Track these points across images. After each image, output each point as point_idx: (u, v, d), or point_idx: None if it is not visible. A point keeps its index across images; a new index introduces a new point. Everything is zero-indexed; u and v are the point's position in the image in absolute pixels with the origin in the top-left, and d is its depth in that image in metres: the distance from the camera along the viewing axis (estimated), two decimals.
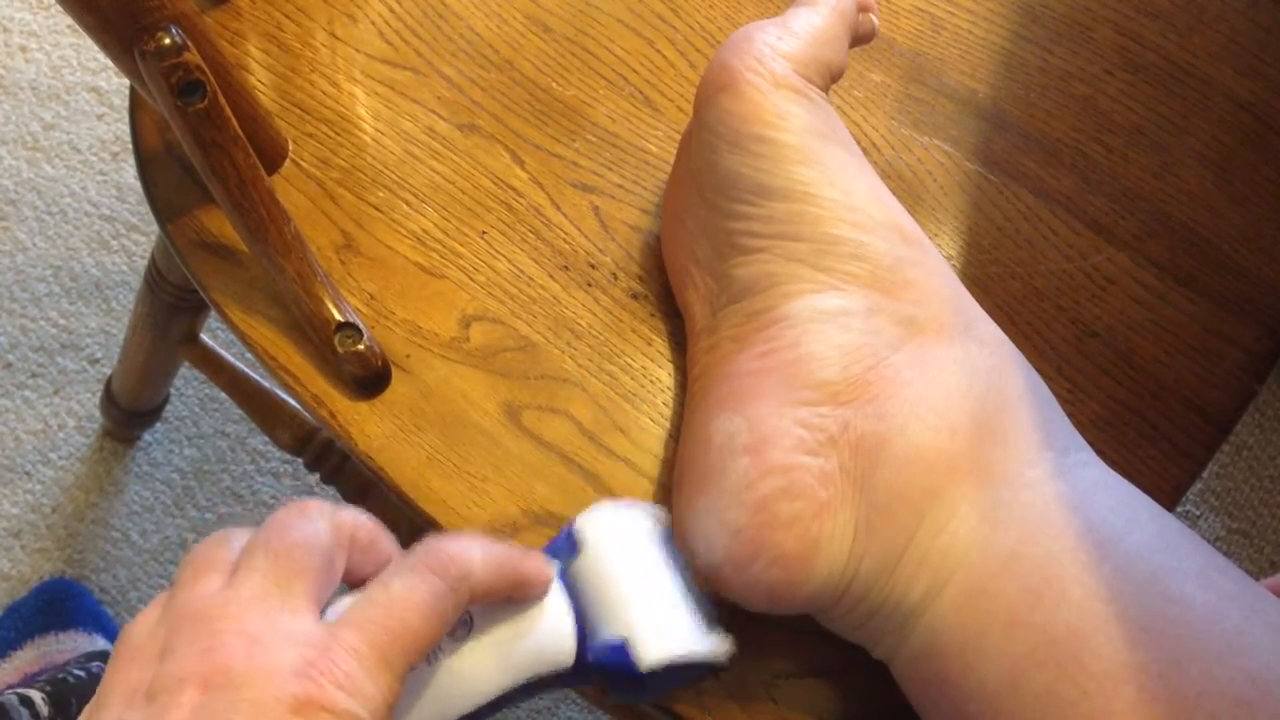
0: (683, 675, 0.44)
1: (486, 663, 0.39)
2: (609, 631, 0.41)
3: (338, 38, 0.55)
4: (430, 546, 0.37)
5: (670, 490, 0.48)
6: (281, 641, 0.34)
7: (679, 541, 0.46)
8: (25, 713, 0.79)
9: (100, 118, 1.07)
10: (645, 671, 0.40)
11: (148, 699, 0.33)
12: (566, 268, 0.52)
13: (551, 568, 0.41)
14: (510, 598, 0.40)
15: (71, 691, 0.82)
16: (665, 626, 0.42)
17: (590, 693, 0.64)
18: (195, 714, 0.32)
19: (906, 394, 0.43)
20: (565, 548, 0.44)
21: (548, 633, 0.40)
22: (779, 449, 0.43)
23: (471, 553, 0.38)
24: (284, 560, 0.36)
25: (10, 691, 0.82)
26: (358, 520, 0.39)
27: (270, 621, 0.34)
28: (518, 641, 0.40)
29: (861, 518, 0.42)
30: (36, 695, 0.81)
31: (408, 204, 0.53)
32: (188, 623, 0.35)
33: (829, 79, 0.49)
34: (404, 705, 0.38)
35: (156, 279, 0.70)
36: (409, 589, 0.36)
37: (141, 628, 0.36)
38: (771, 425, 0.43)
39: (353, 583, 0.39)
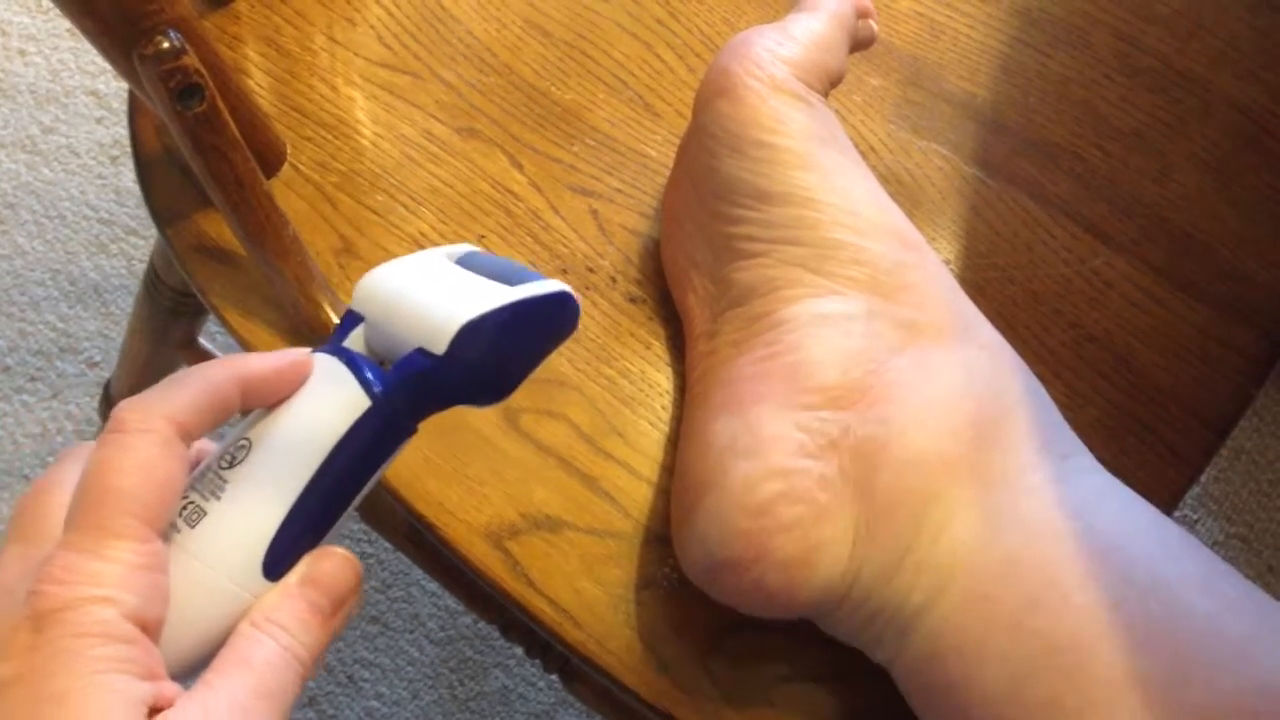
0: (519, 338, 0.37)
1: (279, 458, 0.35)
2: (401, 350, 0.37)
3: (336, 42, 0.55)
4: (123, 404, 0.35)
5: (669, 494, 0.48)
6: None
7: (677, 545, 0.46)
8: None
9: (99, 121, 1.07)
10: (442, 353, 0.35)
11: None
12: (565, 271, 0.52)
13: (299, 350, 0.38)
14: (265, 403, 0.37)
15: None
16: (442, 306, 0.36)
17: (589, 696, 0.64)
18: None
19: (907, 398, 0.43)
20: (348, 325, 0.39)
21: (320, 392, 0.36)
22: (779, 453, 0.43)
23: (171, 393, 0.35)
24: (106, 511, 0.33)
25: None
26: (205, 389, 0.35)
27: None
28: (296, 419, 0.36)
29: (862, 521, 0.42)
30: None
31: (406, 208, 0.53)
32: None
33: (828, 84, 0.49)
34: (217, 537, 0.35)
35: (155, 283, 0.70)
36: (104, 457, 0.33)
37: None
38: (772, 429, 0.43)
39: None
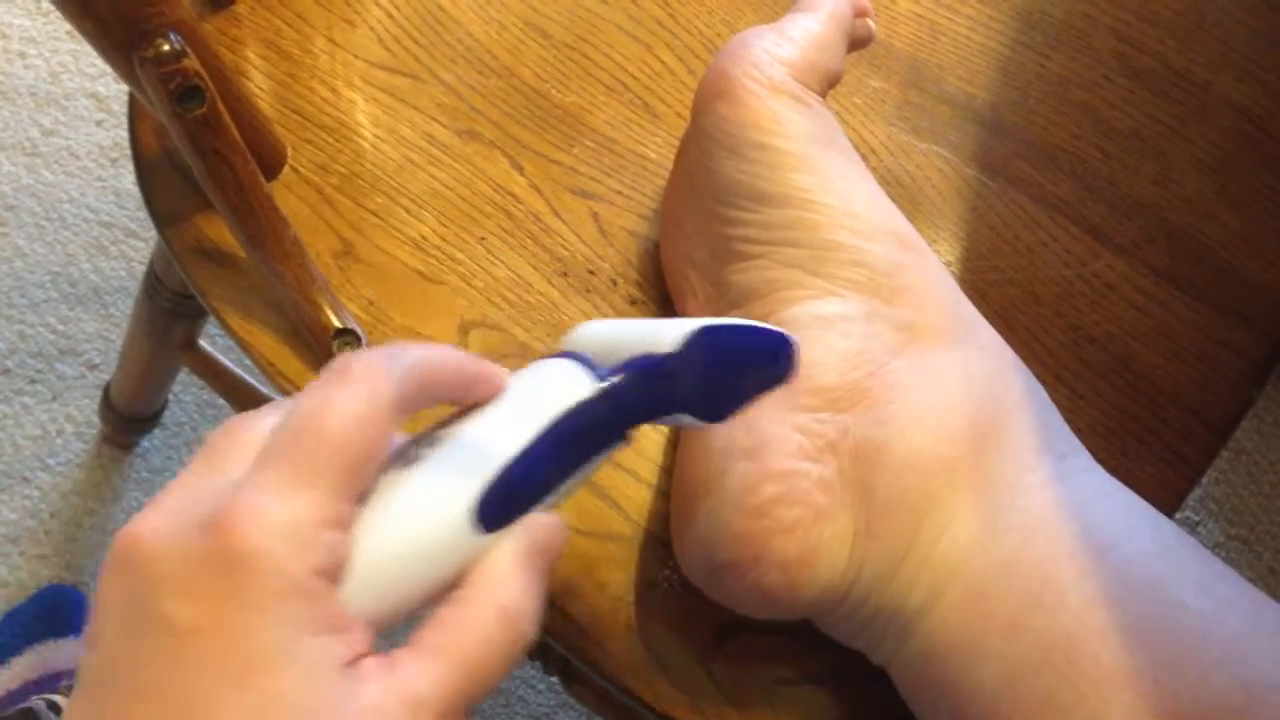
0: (747, 365, 0.38)
1: (499, 421, 0.34)
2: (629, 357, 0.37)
3: (337, 44, 0.55)
4: (347, 356, 0.33)
5: (669, 496, 0.48)
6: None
7: (677, 547, 0.46)
8: (53, 717, 0.79)
9: (99, 124, 1.07)
10: (672, 350, 0.35)
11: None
12: (565, 274, 0.52)
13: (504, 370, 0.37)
14: (461, 399, 0.36)
15: None
16: (683, 321, 0.37)
17: (589, 698, 0.64)
18: (118, 605, 0.30)
19: (906, 399, 0.43)
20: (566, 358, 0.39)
21: (542, 377, 0.36)
22: (778, 455, 0.43)
23: (400, 356, 0.33)
24: (307, 455, 0.31)
25: (38, 698, 0.82)
26: (427, 362, 0.34)
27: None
28: (516, 394, 0.35)
29: (861, 523, 0.42)
30: (62, 701, 0.81)
31: (406, 210, 0.53)
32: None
33: (826, 85, 0.49)
34: (429, 486, 0.33)
35: (155, 285, 0.70)
36: (322, 400, 0.32)
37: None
38: (771, 431, 0.43)
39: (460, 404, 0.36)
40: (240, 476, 0.31)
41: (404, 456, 0.34)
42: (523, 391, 0.36)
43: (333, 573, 0.31)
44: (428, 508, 0.33)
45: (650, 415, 0.36)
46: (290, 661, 0.29)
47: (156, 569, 0.29)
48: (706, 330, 0.36)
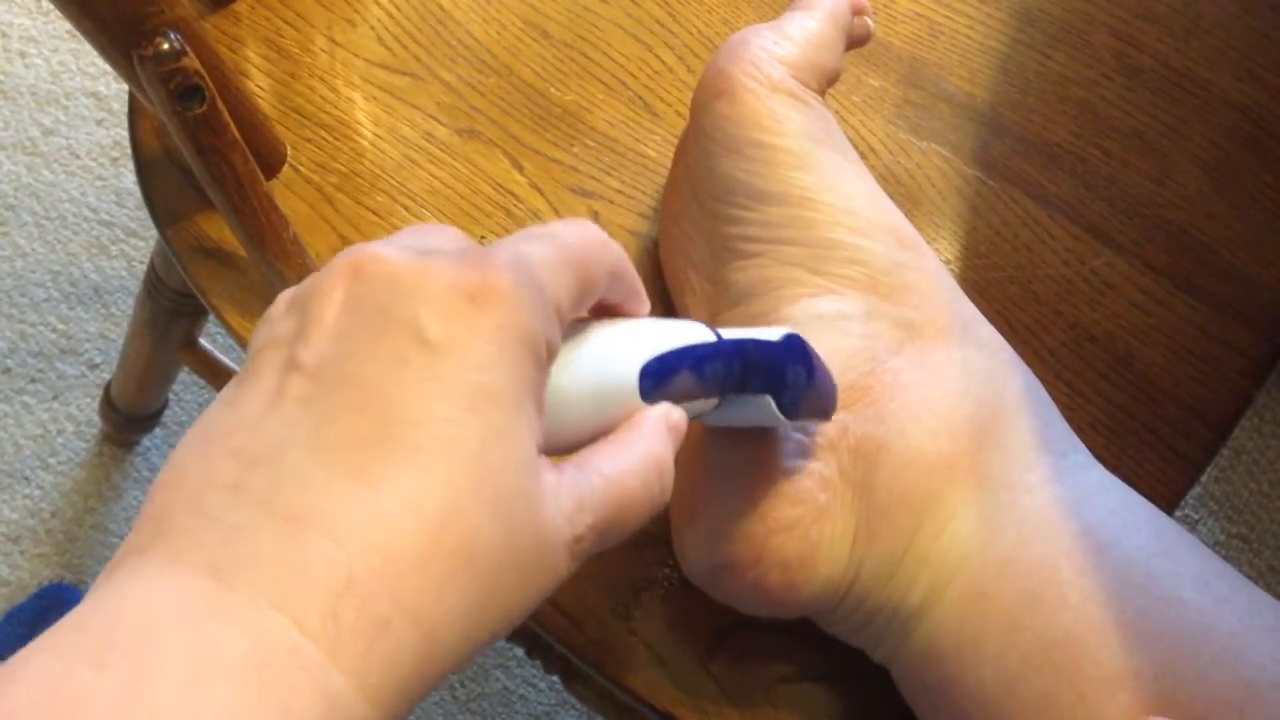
0: (816, 394, 0.41)
1: (620, 336, 0.37)
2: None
3: (337, 43, 0.55)
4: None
5: (671, 494, 0.48)
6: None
7: (677, 546, 0.46)
8: None
9: (99, 123, 1.08)
10: (781, 340, 0.39)
11: (289, 312, 0.31)
12: None
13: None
14: (621, 304, 0.38)
15: None
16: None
17: (590, 696, 0.64)
18: (348, 303, 0.29)
19: (905, 398, 0.43)
20: None
21: (669, 321, 0.39)
22: (778, 453, 0.43)
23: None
24: (567, 247, 0.33)
25: None
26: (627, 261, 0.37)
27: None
28: (641, 321, 0.39)
29: (861, 521, 0.42)
30: None
31: (406, 209, 0.53)
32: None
33: (825, 83, 0.49)
34: (609, 341, 0.36)
35: (155, 284, 0.70)
36: (572, 223, 0.35)
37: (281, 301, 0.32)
38: (771, 430, 0.43)
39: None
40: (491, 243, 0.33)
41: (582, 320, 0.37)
42: (668, 320, 0.39)
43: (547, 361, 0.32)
44: (609, 355, 0.36)
45: (764, 382, 0.38)
46: (516, 408, 0.29)
47: (414, 282, 0.29)
48: (798, 338, 0.39)
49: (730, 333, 0.39)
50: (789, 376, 0.38)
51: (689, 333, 0.38)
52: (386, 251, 0.30)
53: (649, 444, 0.35)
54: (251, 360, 0.30)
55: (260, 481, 0.27)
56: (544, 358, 0.31)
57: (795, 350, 0.39)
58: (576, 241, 0.34)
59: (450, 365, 0.29)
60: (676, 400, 0.37)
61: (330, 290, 0.30)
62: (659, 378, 0.36)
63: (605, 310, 0.38)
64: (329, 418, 0.28)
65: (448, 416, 0.28)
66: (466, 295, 0.29)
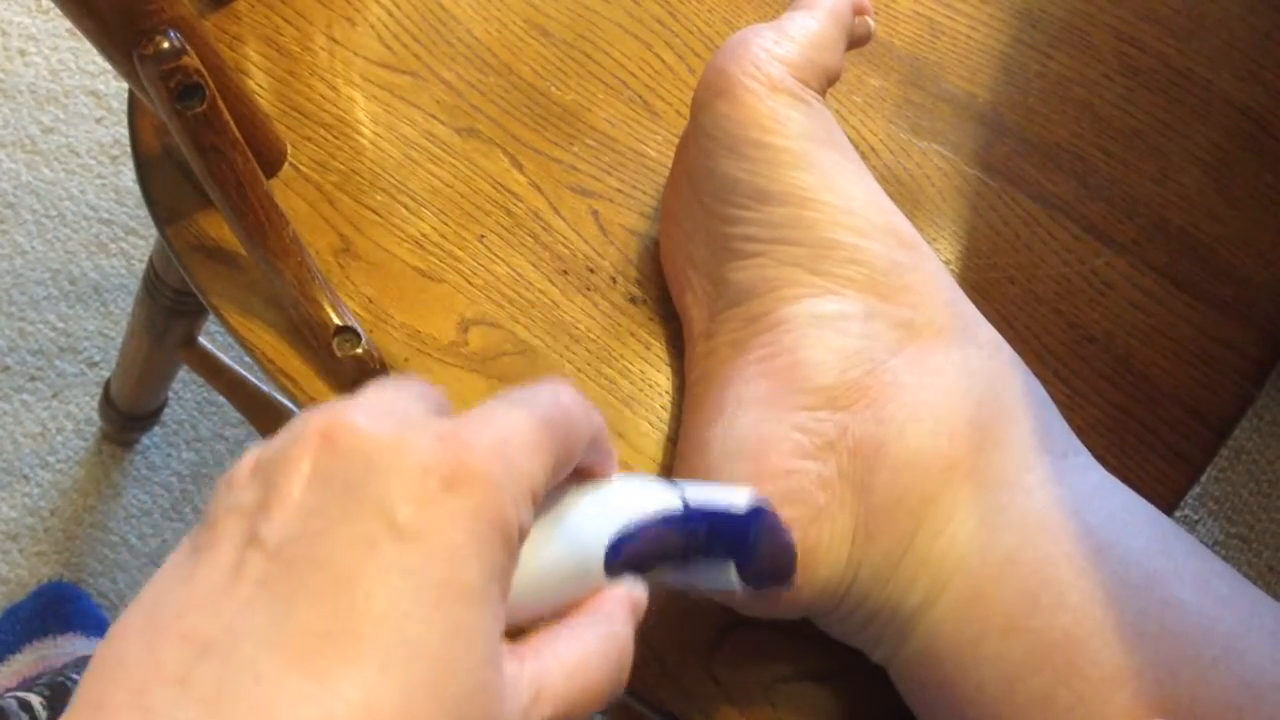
0: (781, 552, 0.41)
1: (588, 507, 0.36)
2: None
3: (337, 42, 0.55)
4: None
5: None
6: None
7: None
8: (24, 717, 0.79)
9: (99, 121, 1.07)
10: (747, 510, 0.38)
11: (253, 479, 0.29)
12: (565, 272, 0.52)
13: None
14: (588, 466, 0.37)
15: (70, 696, 0.82)
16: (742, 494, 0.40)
17: None
18: (316, 476, 0.28)
19: (904, 398, 0.43)
20: None
21: (637, 482, 0.38)
22: (777, 453, 0.43)
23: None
24: (554, 420, 0.32)
25: (9, 695, 0.82)
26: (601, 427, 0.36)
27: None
28: (639, 481, 0.38)
29: (860, 522, 0.42)
30: (35, 699, 0.81)
31: (406, 208, 0.53)
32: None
33: (825, 83, 0.49)
34: (584, 512, 0.36)
35: (155, 282, 0.70)
36: (559, 388, 0.33)
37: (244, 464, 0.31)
38: (770, 430, 0.43)
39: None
40: (464, 412, 0.31)
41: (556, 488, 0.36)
42: (636, 480, 0.38)
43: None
44: (576, 530, 0.35)
45: (728, 550, 0.38)
46: (482, 602, 0.28)
47: (387, 460, 0.28)
48: (765, 511, 0.39)
49: (696, 491, 0.38)
50: (753, 547, 0.38)
51: (655, 498, 0.37)
52: (360, 421, 0.29)
53: (612, 625, 0.34)
54: (209, 527, 0.29)
55: (209, 675, 0.26)
56: (515, 544, 0.30)
57: (761, 521, 0.39)
58: (559, 416, 0.32)
59: (419, 556, 0.27)
60: (640, 569, 0.36)
61: (298, 460, 0.28)
62: (624, 553, 0.36)
63: (577, 472, 0.36)
64: (288, 604, 0.27)
65: (412, 613, 0.27)
66: (441, 479, 0.28)
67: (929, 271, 0.46)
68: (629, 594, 0.35)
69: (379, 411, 0.30)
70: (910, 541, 0.42)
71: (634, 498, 0.37)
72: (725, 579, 0.38)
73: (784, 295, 0.45)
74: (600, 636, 0.33)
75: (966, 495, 0.42)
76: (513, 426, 0.31)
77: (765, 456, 0.43)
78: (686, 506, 0.38)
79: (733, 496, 0.39)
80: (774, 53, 0.47)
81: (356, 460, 0.28)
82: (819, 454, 0.43)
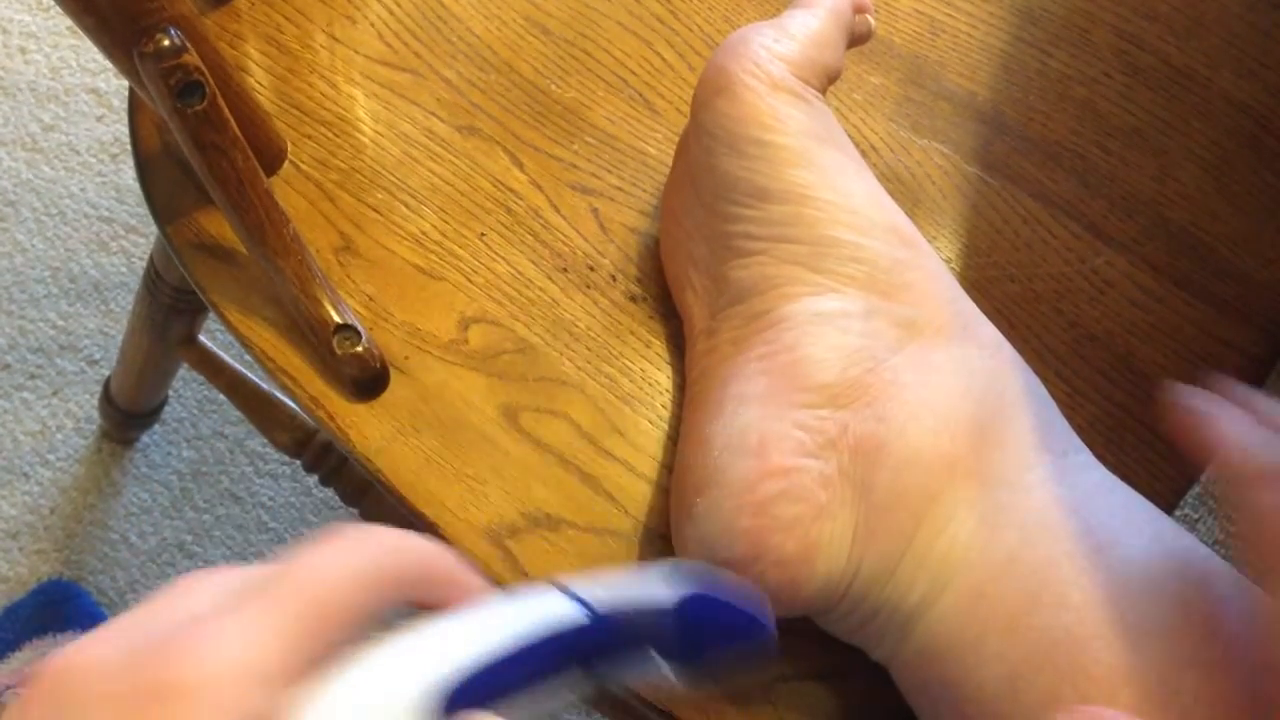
0: (731, 638, 0.37)
1: (468, 621, 0.33)
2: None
3: (337, 39, 0.55)
4: (343, 526, 0.31)
5: (669, 492, 0.48)
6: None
7: (676, 543, 0.46)
8: None
9: (99, 119, 1.07)
10: (671, 602, 0.35)
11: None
12: (565, 270, 0.52)
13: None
14: (444, 601, 0.34)
15: None
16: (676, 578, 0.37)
17: (590, 694, 0.64)
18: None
19: (905, 396, 0.43)
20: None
21: (537, 598, 0.34)
22: (779, 451, 0.43)
23: (400, 535, 0.32)
24: (284, 597, 0.29)
25: (9, 692, 0.82)
26: (420, 555, 0.32)
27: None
28: (503, 605, 0.34)
29: (861, 520, 0.42)
30: None
31: (406, 206, 0.53)
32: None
33: (826, 81, 0.49)
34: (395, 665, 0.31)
35: (155, 280, 0.70)
36: (309, 552, 0.30)
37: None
38: (771, 428, 0.43)
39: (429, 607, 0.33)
40: (201, 609, 0.28)
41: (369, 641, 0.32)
42: (503, 604, 0.34)
43: None
44: (381, 684, 0.31)
45: (633, 657, 0.35)
46: None
47: (89, 689, 0.27)
48: (699, 598, 0.36)
49: (614, 590, 0.35)
50: (665, 643, 0.35)
51: (524, 615, 0.33)
52: (76, 655, 0.27)
53: None
54: None
55: None
56: None
57: (701, 610, 0.35)
58: (311, 592, 0.29)
59: None
60: (496, 704, 0.32)
61: (26, 708, 0.27)
62: (460, 697, 0.31)
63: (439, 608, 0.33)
64: None
65: None
66: (148, 695, 0.26)
67: (930, 270, 0.46)
68: None
69: (110, 638, 0.28)
70: (911, 539, 0.42)
71: (489, 624, 0.33)
72: (659, 674, 0.35)
73: (785, 293, 0.45)
74: None
75: (967, 494, 0.42)
76: (235, 613, 0.28)
77: (767, 453, 0.43)
78: (590, 615, 0.34)
79: (660, 587, 0.35)
80: (774, 51, 0.47)
81: (69, 697, 0.27)
82: (820, 452, 0.43)
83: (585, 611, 0.34)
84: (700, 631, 0.36)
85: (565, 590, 0.35)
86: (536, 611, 0.33)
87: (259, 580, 0.29)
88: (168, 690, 0.26)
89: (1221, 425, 0.41)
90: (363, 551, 0.30)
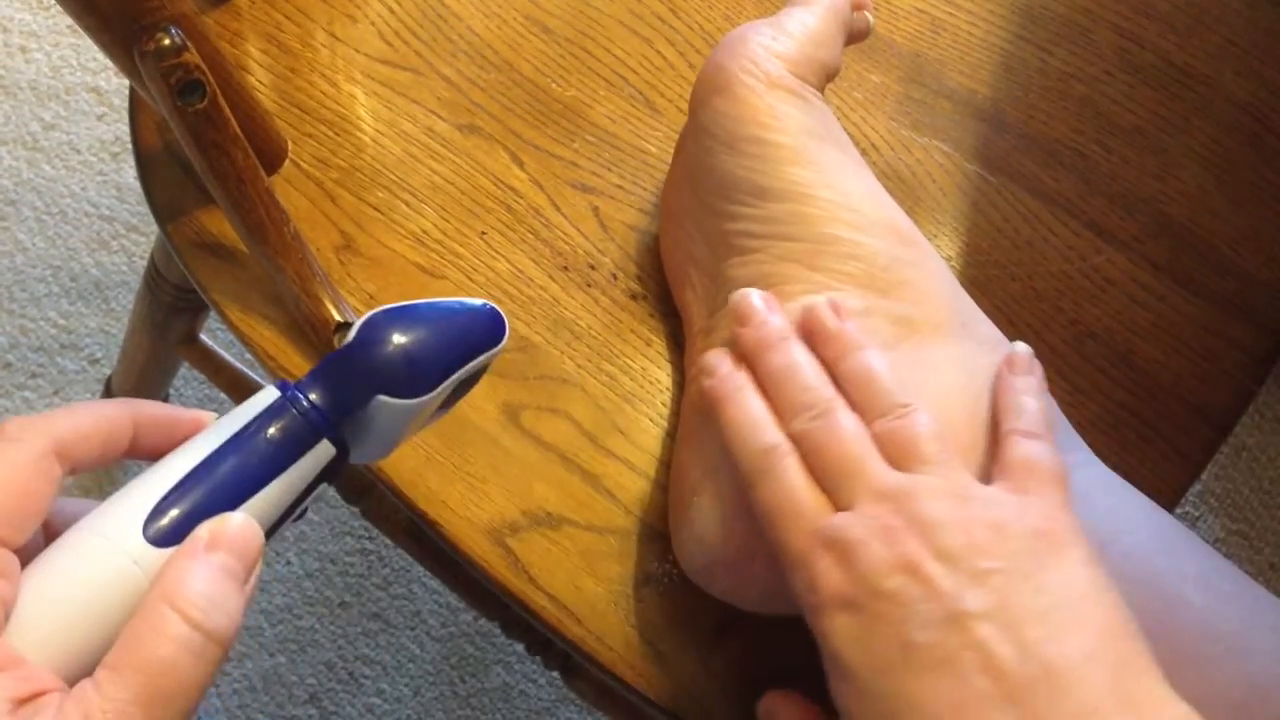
0: (435, 336, 0.37)
1: (179, 450, 0.34)
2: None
3: (337, 38, 0.55)
4: (10, 419, 0.34)
5: (669, 490, 0.48)
6: None
7: (675, 542, 0.46)
8: None
9: (100, 118, 1.07)
10: (353, 341, 0.36)
11: None
12: (566, 268, 0.52)
13: (202, 412, 0.37)
14: (160, 449, 0.35)
15: None
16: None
17: (590, 692, 0.64)
18: None
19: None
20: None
21: (250, 402, 0.35)
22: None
23: (58, 414, 0.34)
24: None
25: None
26: (94, 413, 0.34)
27: None
28: (220, 422, 0.35)
29: None
30: None
31: (407, 204, 0.53)
32: None
33: (824, 79, 0.49)
34: (101, 510, 0.33)
35: (156, 279, 0.70)
36: None
37: None
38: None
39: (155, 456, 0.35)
40: None
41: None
42: (220, 421, 0.35)
43: None
44: (95, 536, 0.32)
45: (345, 409, 0.36)
46: None
47: None
48: (377, 314, 0.36)
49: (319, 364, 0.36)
50: (372, 378, 0.36)
51: (235, 418, 0.34)
52: None
53: (169, 597, 0.30)
54: None
55: None
56: None
57: (358, 349, 0.36)
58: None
59: None
60: (230, 508, 0.33)
61: None
62: (179, 518, 0.32)
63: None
64: None
65: None
66: None
67: (929, 267, 0.46)
68: (186, 550, 0.32)
69: None
70: None
71: (199, 442, 0.34)
72: (395, 406, 0.36)
73: (783, 291, 0.45)
74: (153, 624, 0.30)
75: None
76: None
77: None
78: (286, 388, 0.35)
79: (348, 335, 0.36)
80: (772, 49, 0.47)
81: None
82: None
83: (280, 386, 0.35)
84: (405, 342, 0.36)
85: (283, 386, 0.36)
86: (243, 412, 0.35)
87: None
88: None
89: None
90: (27, 440, 0.32)
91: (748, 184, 0.46)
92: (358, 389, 0.36)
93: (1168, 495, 0.52)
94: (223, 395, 0.96)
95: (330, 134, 0.54)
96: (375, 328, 0.36)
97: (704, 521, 0.43)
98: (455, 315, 0.38)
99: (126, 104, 0.56)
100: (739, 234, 0.47)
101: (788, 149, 0.46)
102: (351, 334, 0.36)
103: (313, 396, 0.35)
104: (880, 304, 0.45)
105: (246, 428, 0.34)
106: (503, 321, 0.39)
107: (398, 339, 0.36)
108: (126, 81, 0.49)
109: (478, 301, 0.38)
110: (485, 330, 0.38)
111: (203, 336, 0.78)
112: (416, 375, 0.37)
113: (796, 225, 0.45)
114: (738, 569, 0.43)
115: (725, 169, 0.47)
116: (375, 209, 0.52)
